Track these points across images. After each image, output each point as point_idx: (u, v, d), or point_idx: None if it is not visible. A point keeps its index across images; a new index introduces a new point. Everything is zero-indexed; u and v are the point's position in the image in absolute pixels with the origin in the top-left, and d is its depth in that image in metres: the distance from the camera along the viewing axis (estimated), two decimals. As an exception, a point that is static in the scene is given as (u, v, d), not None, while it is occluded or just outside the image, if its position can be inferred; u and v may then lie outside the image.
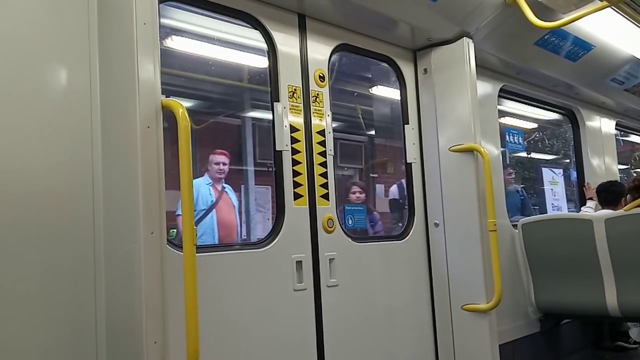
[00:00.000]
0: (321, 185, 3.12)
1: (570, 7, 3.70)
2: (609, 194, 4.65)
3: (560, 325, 4.53)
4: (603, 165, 5.69)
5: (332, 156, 3.20)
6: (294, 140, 3.00)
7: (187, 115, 2.19)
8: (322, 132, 3.18)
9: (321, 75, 3.23)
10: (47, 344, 2.06)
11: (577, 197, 5.78)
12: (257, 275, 2.73)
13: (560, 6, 3.70)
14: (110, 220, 2.23)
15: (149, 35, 2.28)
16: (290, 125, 3.00)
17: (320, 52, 3.26)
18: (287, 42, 3.06)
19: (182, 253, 2.17)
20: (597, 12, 3.49)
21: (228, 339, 2.55)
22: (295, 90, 3.06)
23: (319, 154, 3.13)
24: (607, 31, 4.51)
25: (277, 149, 2.96)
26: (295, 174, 2.99)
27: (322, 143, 3.17)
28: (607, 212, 4.27)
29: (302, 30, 3.18)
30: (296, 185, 2.99)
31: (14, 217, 1.99)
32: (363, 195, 5.02)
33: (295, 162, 2.99)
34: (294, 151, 3.00)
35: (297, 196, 2.98)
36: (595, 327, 4.97)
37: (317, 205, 3.09)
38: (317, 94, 3.20)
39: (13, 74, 2.07)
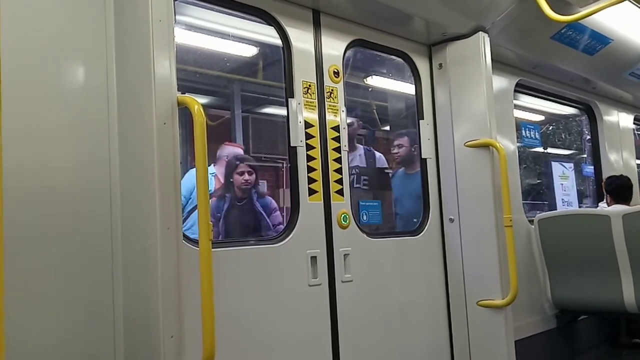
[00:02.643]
0: (335, 181, 3.12)
1: (587, 0, 3.66)
2: (620, 190, 4.60)
3: (576, 321, 4.50)
4: (621, 160, 5.64)
5: (346, 152, 3.20)
6: (308, 136, 3.00)
7: (202, 112, 2.20)
8: (336, 128, 3.17)
9: (336, 71, 3.22)
10: (66, 338, 2.10)
11: (594, 192, 5.73)
12: (272, 270, 2.74)
13: (577, 0, 3.66)
14: (127, 216, 2.26)
15: (164, 32, 2.29)
16: (305, 121, 3.00)
17: (334, 48, 3.25)
18: (301, 38, 3.06)
19: (196, 248, 2.19)
20: (614, 6, 3.44)
21: (242, 334, 2.57)
22: (309, 86, 3.05)
23: (333, 149, 3.13)
24: (625, 25, 4.46)
25: (292, 144, 2.96)
26: (310, 169, 2.98)
27: (337, 139, 3.16)
28: (624, 208, 4.22)
29: (317, 26, 3.17)
30: (311, 181, 2.98)
31: (33, 214, 2.03)
32: (252, 177, 3.94)
33: (309, 158, 2.99)
34: (309, 147, 3.00)
35: (311, 192, 2.97)
36: (612, 323, 4.92)
37: (331, 201, 3.08)
38: (332, 90, 3.20)
39: (31, 73, 2.10)
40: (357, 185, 3.68)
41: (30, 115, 2.07)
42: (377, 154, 3.98)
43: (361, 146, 3.89)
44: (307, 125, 3.01)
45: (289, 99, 2.99)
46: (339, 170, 3.14)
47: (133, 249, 2.24)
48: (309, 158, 2.99)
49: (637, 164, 5.98)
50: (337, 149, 3.16)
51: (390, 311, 3.31)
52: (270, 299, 2.71)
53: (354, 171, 3.68)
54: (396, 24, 3.50)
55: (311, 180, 2.99)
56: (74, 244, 2.14)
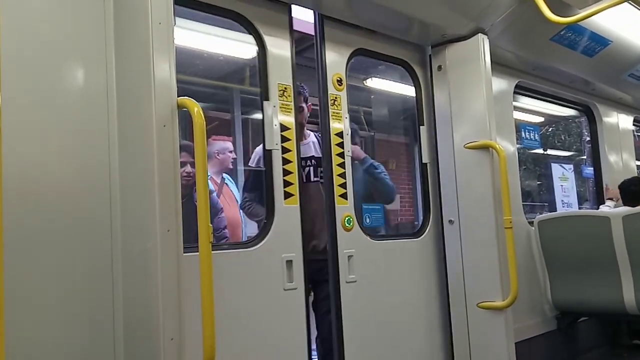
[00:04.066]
0: (340, 185, 3.19)
1: (587, 2, 3.66)
2: (633, 194, 4.58)
3: (577, 323, 4.50)
4: (620, 162, 5.64)
5: (349, 157, 3.28)
6: (284, 139, 2.95)
7: (202, 114, 2.20)
8: (340, 134, 3.25)
9: (339, 79, 3.31)
10: (66, 340, 2.09)
11: (594, 194, 5.73)
12: (246, 275, 2.69)
13: (576, 1, 3.66)
14: (127, 218, 2.26)
15: (164, 35, 2.29)
16: (281, 124, 2.95)
17: (337, 56, 3.33)
18: (276, 41, 2.99)
19: (193, 253, 2.20)
20: (613, 7, 3.45)
21: (219, 338, 2.47)
22: (285, 88, 3.00)
23: (337, 155, 3.21)
24: (624, 26, 4.46)
25: (267, 147, 2.91)
26: (286, 173, 2.93)
27: (340, 145, 3.25)
28: (625, 209, 4.22)
29: (321, 35, 3.26)
30: (287, 184, 2.93)
31: (32, 216, 2.02)
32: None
33: (285, 161, 2.94)
34: (284, 150, 2.94)
35: (287, 195, 2.92)
36: (612, 325, 4.92)
37: (335, 204, 3.15)
38: (336, 97, 3.28)
39: (30, 77, 2.10)
40: (315, 179, 3.43)
41: (30, 118, 2.07)
42: None
43: (312, 132, 3.57)
44: (283, 128, 2.96)
45: (264, 102, 2.93)
46: (342, 175, 3.23)
47: (133, 251, 2.24)
48: (285, 161, 2.94)
49: (637, 165, 5.99)
50: (341, 155, 3.24)
51: (391, 311, 3.34)
52: (243, 304, 2.66)
53: (309, 162, 3.45)
54: (396, 27, 3.51)
55: (287, 184, 2.93)
56: (73, 246, 2.14)
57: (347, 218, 3.19)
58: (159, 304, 2.15)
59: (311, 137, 3.54)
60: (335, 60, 3.32)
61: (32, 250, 2.02)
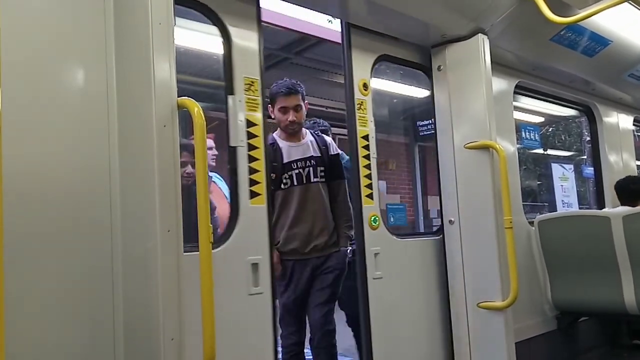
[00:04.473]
0: (366, 186, 3.34)
1: (587, 2, 3.66)
2: (632, 193, 4.58)
3: (577, 323, 4.50)
4: (621, 162, 5.63)
5: (375, 159, 3.39)
6: (250, 136, 2.79)
7: (202, 114, 2.20)
8: (366, 137, 3.39)
9: (364, 84, 3.44)
10: (66, 341, 2.09)
11: (594, 194, 5.72)
12: None
13: (576, 1, 3.66)
14: (127, 219, 2.26)
15: (164, 35, 2.29)
16: (247, 119, 2.78)
17: (363, 63, 3.46)
18: (242, 33, 2.84)
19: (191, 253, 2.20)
20: (613, 7, 3.45)
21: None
22: (252, 82, 2.84)
23: (363, 157, 3.36)
24: (624, 26, 4.46)
25: (231, 144, 2.75)
26: (252, 171, 2.77)
27: (367, 147, 3.39)
28: (625, 209, 4.22)
29: (348, 42, 3.39)
30: (253, 183, 2.76)
31: (32, 217, 2.02)
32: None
33: (252, 159, 2.77)
34: (251, 147, 2.77)
35: (253, 194, 2.75)
36: (612, 325, 4.92)
37: (362, 204, 3.29)
38: (362, 102, 3.41)
39: (30, 77, 2.10)
40: (316, 180, 3.38)
41: (29, 119, 2.07)
42: (328, 138, 3.61)
43: (308, 131, 3.53)
44: (250, 124, 2.79)
45: (229, 96, 2.77)
46: (369, 176, 3.37)
47: (133, 251, 2.23)
48: (251, 159, 2.77)
49: (638, 165, 5.99)
50: (367, 157, 3.38)
51: (411, 307, 3.51)
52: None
53: (308, 163, 3.39)
54: (397, 28, 3.52)
55: (253, 182, 2.76)
56: (73, 246, 2.13)
57: (373, 217, 3.32)
58: (159, 304, 2.15)
59: (308, 137, 3.51)
60: (361, 66, 3.44)
61: (32, 251, 2.02)
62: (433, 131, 3.80)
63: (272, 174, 3.08)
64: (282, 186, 3.36)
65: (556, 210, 5.46)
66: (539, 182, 7.16)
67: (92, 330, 2.17)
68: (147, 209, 2.20)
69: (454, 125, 3.66)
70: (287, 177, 3.37)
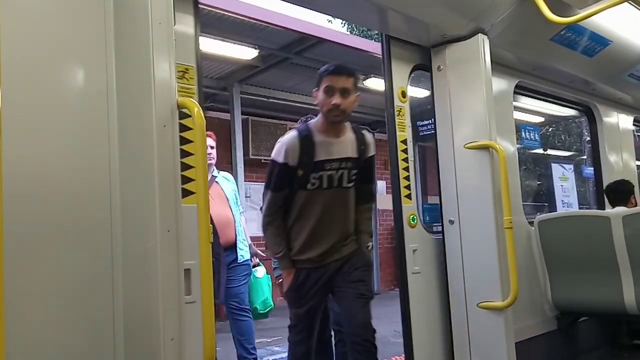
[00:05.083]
0: (405, 187, 3.56)
1: (587, 2, 3.66)
2: (618, 194, 4.60)
3: (577, 323, 4.49)
4: (621, 162, 5.63)
5: (413, 162, 3.56)
6: (184, 128, 2.42)
7: (202, 114, 2.20)
8: (404, 141, 3.58)
9: (403, 92, 3.63)
10: (65, 341, 2.09)
11: (594, 195, 5.72)
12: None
13: (576, 1, 3.66)
14: (127, 219, 2.25)
15: (164, 35, 2.29)
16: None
17: (401, 72, 3.66)
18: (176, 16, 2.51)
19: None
20: (613, 7, 3.44)
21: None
22: (187, 70, 2.57)
23: (402, 160, 3.55)
24: (625, 26, 4.46)
25: None
26: (185, 167, 2.43)
27: (405, 151, 3.58)
28: (624, 209, 4.22)
29: (388, 53, 3.59)
30: (185, 180, 2.42)
31: (31, 217, 2.02)
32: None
33: (184, 154, 2.44)
34: (184, 140, 2.42)
35: (186, 193, 2.41)
36: (612, 325, 4.92)
37: (402, 204, 3.52)
38: (400, 109, 3.61)
39: (30, 77, 2.09)
40: (348, 185, 2.98)
41: (29, 119, 2.06)
42: (369, 137, 3.16)
43: (349, 126, 3.02)
44: (183, 115, 2.41)
45: None
46: (407, 178, 3.58)
47: (133, 252, 2.23)
48: (184, 154, 2.44)
49: (637, 166, 5.98)
50: (406, 160, 3.57)
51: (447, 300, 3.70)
52: None
53: (343, 165, 2.96)
54: (399, 27, 3.53)
55: (186, 180, 2.43)
56: (73, 247, 2.13)
57: (411, 216, 3.54)
58: (159, 304, 2.16)
59: (349, 133, 2.97)
60: (399, 75, 3.64)
61: (31, 251, 2.01)
62: (433, 131, 3.80)
63: (298, 171, 2.85)
64: (309, 186, 2.88)
65: (556, 210, 5.45)
66: (538, 182, 7.16)
67: (91, 330, 2.16)
68: (147, 209, 2.20)
69: (454, 125, 3.66)
70: (317, 177, 2.87)
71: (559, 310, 4.34)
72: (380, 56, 3.70)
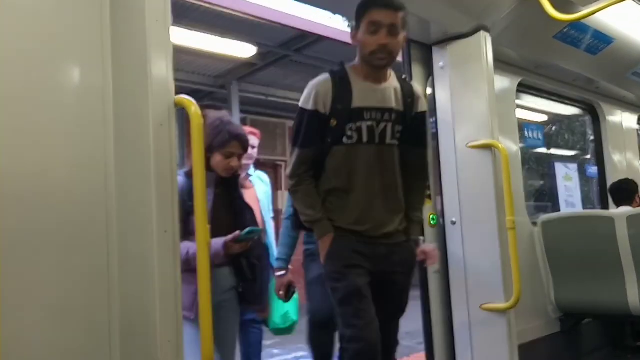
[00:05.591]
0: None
1: (590, -1, 3.63)
2: (622, 193, 4.57)
3: (580, 324, 4.45)
4: (624, 161, 5.60)
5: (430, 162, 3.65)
6: None
7: (199, 113, 2.18)
8: None
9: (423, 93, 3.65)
10: (61, 343, 2.06)
11: (598, 195, 5.68)
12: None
13: (579, -1, 3.63)
14: (123, 219, 2.22)
15: (161, 32, 2.27)
16: None
17: (421, 74, 3.72)
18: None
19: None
20: (617, 5, 3.41)
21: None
22: None
23: None
24: (628, 24, 4.43)
25: None
26: None
27: None
28: (628, 209, 4.19)
29: (408, 56, 3.65)
30: None
31: (26, 218, 1.99)
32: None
33: None
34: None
35: None
36: (617, 326, 4.88)
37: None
38: None
39: (25, 75, 2.07)
40: (392, 141, 2.55)
41: (24, 118, 2.03)
42: (418, 89, 2.86)
43: (393, 72, 2.65)
44: None
45: None
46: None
47: (130, 252, 2.20)
48: None
49: (641, 165, 5.95)
50: None
51: None
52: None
53: (386, 116, 2.53)
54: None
55: None
56: (69, 247, 2.10)
57: (432, 216, 3.61)
58: (156, 306, 2.13)
59: (393, 80, 2.54)
60: (419, 78, 3.69)
61: (27, 251, 1.99)
62: (434, 130, 3.76)
63: (332, 120, 2.41)
64: (345, 140, 2.43)
65: (559, 211, 5.42)
66: (542, 182, 7.12)
67: (88, 330, 2.13)
68: (143, 209, 2.18)
69: (455, 124, 3.63)
70: (354, 128, 2.42)
71: (562, 312, 4.30)
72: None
